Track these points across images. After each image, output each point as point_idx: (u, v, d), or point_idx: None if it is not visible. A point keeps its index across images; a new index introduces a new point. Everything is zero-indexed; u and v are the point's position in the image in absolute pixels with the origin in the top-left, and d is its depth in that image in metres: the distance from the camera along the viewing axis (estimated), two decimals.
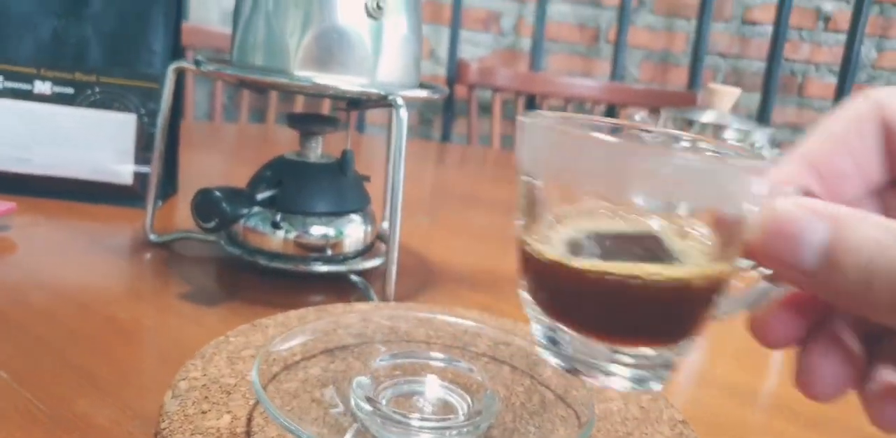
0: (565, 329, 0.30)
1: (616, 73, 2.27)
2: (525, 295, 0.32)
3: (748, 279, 0.30)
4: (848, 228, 0.25)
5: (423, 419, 0.39)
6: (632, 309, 0.29)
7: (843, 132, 0.30)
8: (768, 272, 0.29)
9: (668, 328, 0.30)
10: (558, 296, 0.30)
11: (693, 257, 0.28)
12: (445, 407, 0.41)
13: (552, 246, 0.29)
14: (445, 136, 2.21)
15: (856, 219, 0.25)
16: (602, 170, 0.27)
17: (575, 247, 0.29)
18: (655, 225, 0.28)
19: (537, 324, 0.32)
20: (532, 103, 2.05)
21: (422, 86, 0.66)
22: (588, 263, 0.28)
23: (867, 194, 0.31)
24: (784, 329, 0.30)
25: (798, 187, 0.29)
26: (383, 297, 0.61)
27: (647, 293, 0.28)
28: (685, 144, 0.33)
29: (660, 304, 0.29)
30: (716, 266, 0.28)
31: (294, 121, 0.66)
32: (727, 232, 0.27)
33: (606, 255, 0.28)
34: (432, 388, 0.43)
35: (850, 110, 0.30)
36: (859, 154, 0.30)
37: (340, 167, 0.66)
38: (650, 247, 0.28)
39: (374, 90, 0.59)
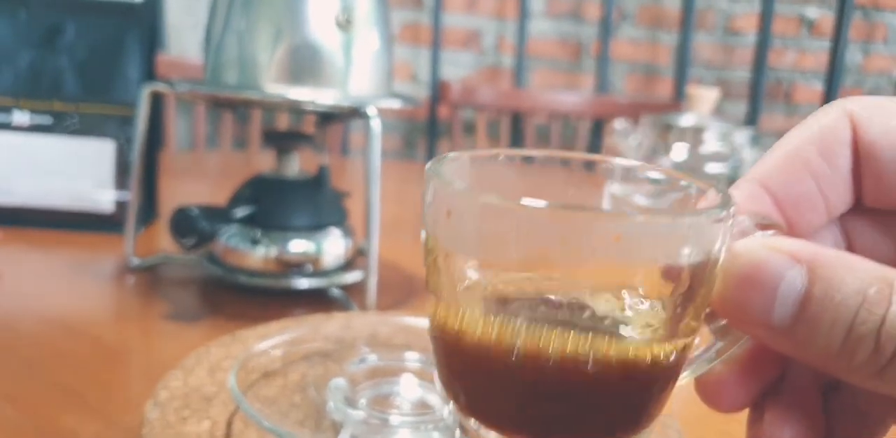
0: (485, 430, 0.25)
1: (601, 86, 2.28)
2: (440, 388, 0.27)
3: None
4: (829, 278, 0.21)
5: (401, 415, 0.39)
6: (573, 398, 0.23)
7: (806, 151, 0.25)
8: (721, 323, 0.25)
9: (622, 419, 0.25)
10: (474, 386, 0.25)
11: (647, 330, 0.23)
12: (424, 405, 0.41)
13: (465, 319, 0.24)
14: (430, 158, 2.21)
15: (840, 266, 0.21)
16: (526, 241, 0.22)
17: (494, 321, 0.23)
18: (597, 300, 0.23)
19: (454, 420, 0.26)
20: (517, 120, 2.06)
21: (394, 97, 0.66)
22: (511, 339, 0.23)
23: (828, 221, 0.26)
24: (740, 392, 0.26)
25: (753, 215, 0.25)
26: (364, 309, 0.61)
27: (594, 376, 0.23)
28: (615, 189, 0.28)
29: (610, 388, 0.23)
30: (677, 338, 0.24)
31: (269, 138, 0.66)
32: (686, 292, 0.23)
33: (534, 330, 0.23)
34: (410, 388, 0.43)
35: (816, 125, 0.25)
36: (824, 177, 0.25)
37: (317, 182, 0.67)
38: (593, 323, 0.23)
39: (345, 102, 0.60)
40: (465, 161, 0.27)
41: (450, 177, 0.24)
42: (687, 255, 0.22)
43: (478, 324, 0.23)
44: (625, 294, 0.23)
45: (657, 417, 0.25)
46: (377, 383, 0.43)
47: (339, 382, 0.41)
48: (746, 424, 0.26)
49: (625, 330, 0.23)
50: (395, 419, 0.39)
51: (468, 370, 0.24)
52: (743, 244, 0.23)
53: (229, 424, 0.39)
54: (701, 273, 0.22)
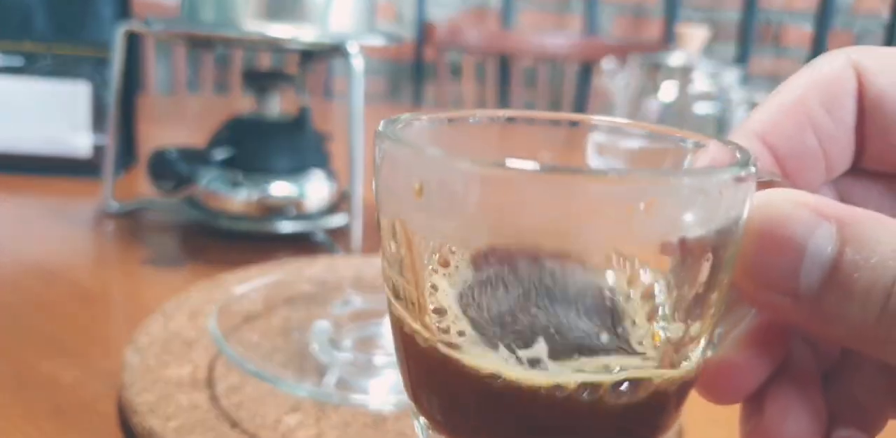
0: None
1: (589, 28, 2.25)
2: (407, 398, 0.23)
3: None
4: (862, 238, 0.18)
5: (385, 356, 0.39)
6: (572, 428, 0.20)
7: (808, 102, 0.23)
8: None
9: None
10: (450, 404, 0.21)
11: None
12: None
13: (443, 333, 0.20)
14: (416, 101, 2.19)
15: (872, 224, 0.18)
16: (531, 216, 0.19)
17: (484, 334, 0.19)
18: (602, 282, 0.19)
19: None
20: (504, 63, 2.04)
21: (377, 35, 0.64)
22: (505, 370, 0.19)
23: (825, 181, 0.24)
24: (746, 379, 0.22)
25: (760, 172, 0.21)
26: (349, 252, 0.60)
27: (603, 402, 0.19)
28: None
29: (623, 411, 0.20)
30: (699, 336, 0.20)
31: (249, 77, 0.64)
32: (710, 273, 0.19)
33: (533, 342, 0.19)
34: None
35: (819, 73, 0.23)
36: (826, 131, 0.23)
37: (298, 124, 0.65)
38: (602, 321, 0.19)
39: (326, 39, 0.58)
40: (422, 125, 0.23)
41: (417, 141, 0.20)
42: (709, 224, 0.18)
43: (454, 331, 0.19)
44: (633, 285, 0.19)
45: (671, 428, 0.22)
46: (361, 325, 0.42)
47: (323, 324, 0.41)
48: (740, 420, 0.24)
49: (635, 336, 0.19)
50: (379, 359, 0.38)
51: (443, 387, 0.20)
52: (763, 196, 0.19)
53: (211, 368, 0.39)
54: (724, 245, 0.19)
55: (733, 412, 0.43)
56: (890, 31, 2.01)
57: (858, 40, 2.58)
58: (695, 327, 0.20)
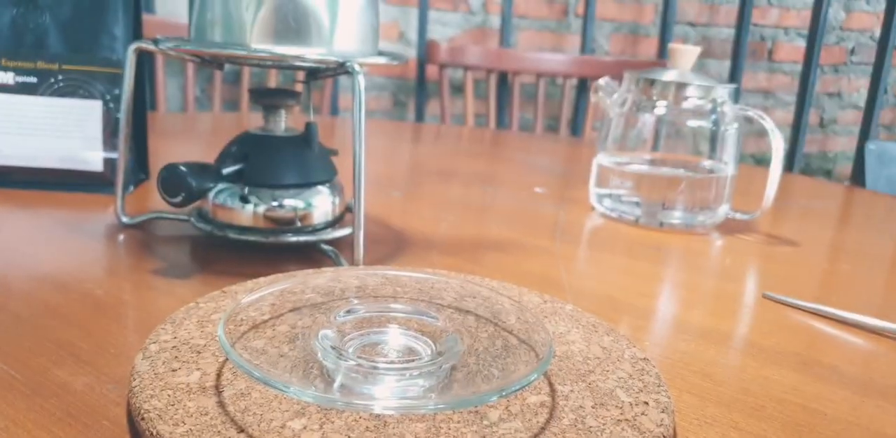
0: None
1: (586, 46, 2.27)
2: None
3: None
4: None
5: (387, 362, 0.40)
6: None
7: None
8: None
9: None
10: None
11: None
12: (410, 353, 0.42)
13: None
14: (419, 117, 2.21)
15: None
16: None
17: None
18: None
19: None
20: (504, 80, 2.06)
21: (380, 54, 0.66)
22: None
23: None
24: None
25: None
26: (353, 264, 0.62)
27: None
28: None
29: None
30: None
31: (255, 95, 0.66)
32: None
33: None
34: (396, 337, 0.44)
35: None
36: None
37: (305, 139, 0.67)
38: None
39: (331, 58, 0.60)
40: None
41: None
42: None
43: None
44: None
45: None
46: (364, 333, 0.44)
47: (328, 332, 0.42)
48: None
49: None
50: (382, 366, 0.40)
51: None
52: None
53: (219, 375, 0.40)
54: None
55: (726, 413, 0.45)
56: (882, 46, 2.03)
57: (851, 56, 2.60)
58: None
